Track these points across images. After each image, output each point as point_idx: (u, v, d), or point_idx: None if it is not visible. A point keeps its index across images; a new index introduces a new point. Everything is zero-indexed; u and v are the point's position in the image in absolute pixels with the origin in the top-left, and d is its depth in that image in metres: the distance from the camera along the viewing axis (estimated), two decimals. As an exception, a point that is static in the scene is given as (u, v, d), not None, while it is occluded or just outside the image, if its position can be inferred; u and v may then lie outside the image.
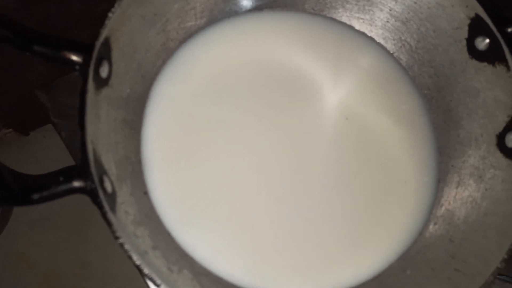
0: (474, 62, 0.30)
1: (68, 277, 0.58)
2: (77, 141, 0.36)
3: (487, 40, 0.28)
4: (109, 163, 0.24)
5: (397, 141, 0.31)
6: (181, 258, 0.25)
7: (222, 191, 0.29)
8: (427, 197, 0.30)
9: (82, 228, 0.58)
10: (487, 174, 0.28)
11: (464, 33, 0.30)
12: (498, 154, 0.28)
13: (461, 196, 0.29)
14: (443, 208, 0.29)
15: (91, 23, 0.45)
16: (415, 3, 0.31)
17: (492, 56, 0.28)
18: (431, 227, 0.29)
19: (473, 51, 0.30)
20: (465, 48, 0.30)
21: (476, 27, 0.29)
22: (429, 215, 0.29)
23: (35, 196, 0.19)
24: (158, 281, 0.20)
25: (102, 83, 0.24)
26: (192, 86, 0.31)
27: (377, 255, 0.28)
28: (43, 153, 0.54)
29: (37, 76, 0.48)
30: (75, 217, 0.56)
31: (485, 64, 0.29)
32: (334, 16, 0.34)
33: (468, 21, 0.29)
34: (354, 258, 0.29)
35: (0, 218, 0.52)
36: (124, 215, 0.23)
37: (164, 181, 0.28)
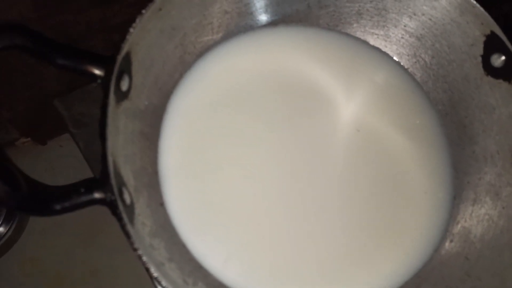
0: (490, 79, 0.30)
1: (78, 284, 0.58)
2: (94, 150, 0.36)
3: (503, 57, 0.28)
4: (128, 175, 0.24)
5: (411, 157, 0.31)
6: (196, 271, 0.26)
7: (237, 203, 0.29)
8: (443, 214, 0.30)
9: (93, 235, 0.59)
10: (504, 191, 0.28)
11: (479, 50, 0.30)
12: (515, 172, 0.28)
13: (477, 213, 0.28)
14: (459, 225, 0.29)
15: (107, 33, 0.46)
16: (430, 19, 0.32)
17: (507, 73, 0.28)
18: (447, 244, 0.29)
19: (488, 68, 0.30)
20: (480, 65, 0.30)
21: (491, 44, 0.29)
22: (445, 232, 0.29)
23: (57, 207, 0.20)
24: (175, 294, 0.20)
25: (122, 96, 0.25)
26: (208, 99, 0.31)
27: (391, 271, 0.28)
28: (59, 162, 0.55)
29: (54, 86, 0.49)
30: (86, 224, 0.57)
31: (501, 81, 0.29)
32: (348, 31, 0.35)
33: (484, 38, 0.29)
34: (367, 274, 0.28)
35: (17, 226, 0.52)
36: (141, 226, 0.23)
37: (180, 192, 0.28)
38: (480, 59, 0.30)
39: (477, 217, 0.28)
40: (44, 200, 0.20)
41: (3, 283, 0.56)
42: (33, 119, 0.52)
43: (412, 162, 0.31)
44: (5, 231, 0.51)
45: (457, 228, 0.29)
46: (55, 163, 0.55)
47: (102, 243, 0.57)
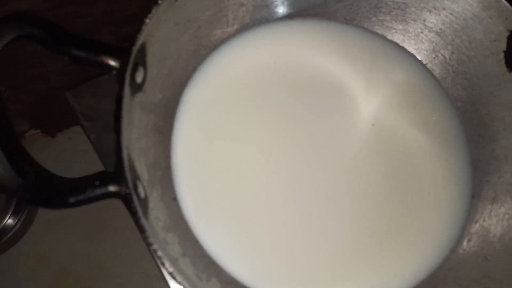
0: (512, 76, 0.29)
1: (84, 278, 0.58)
2: (105, 143, 0.36)
3: (527, 53, 0.28)
4: (141, 168, 0.24)
5: (429, 154, 0.31)
6: (209, 266, 0.25)
7: (250, 198, 0.29)
8: (460, 213, 0.29)
9: (100, 230, 0.58)
10: (525, 191, 0.27)
11: (502, 46, 0.29)
12: (537, 171, 0.27)
13: (496, 212, 0.28)
14: (478, 224, 0.28)
15: (115, 26, 0.46)
16: (451, 14, 0.31)
17: (531, 70, 0.28)
18: (464, 243, 0.28)
19: (511, 64, 0.29)
20: (503, 61, 0.29)
21: (515, 40, 0.28)
22: (463, 231, 0.28)
23: (71, 200, 0.19)
24: (190, 290, 0.20)
25: (137, 88, 0.24)
26: (222, 93, 0.31)
27: (407, 270, 0.28)
28: (68, 155, 0.55)
29: (63, 79, 0.48)
30: (93, 219, 0.57)
31: (524, 77, 0.28)
32: (366, 25, 0.34)
33: (507, 34, 0.28)
34: (383, 272, 0.28)
35: (26, 219, 0.52)
36: (155, 221, 0.23)
37: (193, 187, 0.28)
38: (502, 55, 0.29)
39: (496, 216, 0.28)
40: (58, 193, 0.20)
41: (10, 275, 0.56)
42: (42, 112, 0.52)
43: (430, 159, 0.30)
44: (14, 223, 0.51)
45: (475, 228, 0.28)
46: (64, 155, 0.55)
47: (108, 238, 0.57)
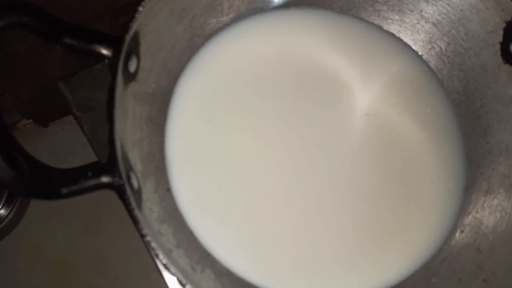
0: (508, 68, 0.29)
1: (81, 269, 0.58)
2: (98, 134, 0.36)
3: (523, 45, 0.28)
4: (135, 159, 0.24)
5: (424, 146, 0.31)
6: (203, 258, 0.25)
7: (245, 189, 0.28)
8: (454, 204, 0.29)
9: (96, 221, 0.58)
10: (519, 183, 0.27)
11: (499, 37, 0.29)
12: (530, 163, 0.27)
13: (490, 204, 0.28)
14: (471, 216, 0.28)
15: (113, 16, 0.45)
16: (448, 4, 0.31)
17: (527, 62, 0.28)
18: (457, 235, 0.28)
19: (507, 56, 0.29)
20: (499, 53, 0.29)
21: (511, 31, 0.28)
22: (456, 222, 0.29)
23: (64, 191, 0.19)
24: (184, 281, 0.20)
25: (130, 77, 0.24)
26: (217, 83, 0.30)
27: (400, 261, 0.28)
28: (61, 145, 0.54)
29: (57, 68, 0.48)
30: (89, 210, 0.57)
31: (520, 70, 0.28)
32: (362, 15, 0.34)
33: (504, 25, 0.28)
34: (377, 263, 0.28)
35: (17, 210, 0.52)
36: (149, 212, 0.23)
37: (187, 178, 0.28)
38: (498, 46, 0.29)
39: (489, 208, 0.28)
40: (51, 184, 0.19)
41: (3, 266, 0.56)
42: (35, 102, 0.51)
43: (425, 150, 0.30)
44: (6, 213, 0.51)
45: (468, 219, 0.29)
46: (57, 145, 0.55)
47: (104, 228, 0.57)
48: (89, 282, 0.57)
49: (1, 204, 0.50)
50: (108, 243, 0.56)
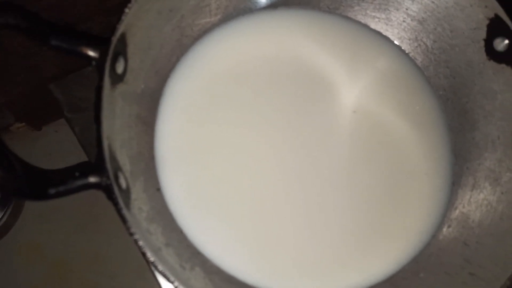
0: (492, 64, 0.29)
1: (78, 268, 0.58)
2: (90, 136, 0.36)
3: (506, 41, 0.28)
4: (124, 159, 0.24)
5: (411, 142, 0.31)
6: (193, 256, 0.25)
7: (235, 188, 0.29)
8: (441, 199, 0.29)
9: (93, 220, 0.58)
10: (504, 177, 0.27)
11: (483, 34, 0.29)
12: (515, 158, 0.28)
13: (476, 199, 0.28)
14: (457, 210, 0.29)
15: (105, 15, 0.45)
16: (433, 2, 0.31)
17: (511, 58, 0.28)
18: (444, 229, 0.28)
19: (491, 52, 0.29)
20: (483, 49, 0.29)
21: (495, 28, 0.28)
22: (443, 217, 0.29)
23: (51, 191, 0.19)
24: (172, 278, 0.20)
25: (117, 79, 0.24)
26: (206, 83, 0.31)
27: (389, 256, 0.28)
28: (54, 148, 0.54)
29: (50, 71, 0.48)
30: (86, 209, 0.57)
31: (504, 65, 0.28)
32: (349, 14, 0.34)
33: (487, 22, 0.29)
34: (366, 258, 0.28)
35: (12, 211, 0.52)
36: (138, 211, 0.23)
37: (177, 177, 0.28)
38: (483, 43, 0.29)
39: (475, 202, 0.28)
40: (38, 184, 0.20)
41: (3, 267, 0.56)
42: (28, 104, 0.52)
43: (412, 146, 0.31)
44: (1, 215, 0.51)
45: (455, 214, 0.29)
46: (50, 148, 0.55)
47: (100, 228, 0.57)
48: (86, 282, 0.57)
49: (-5, 207, 0.50)
50: (105, 243, 0.56)
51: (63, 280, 0.57)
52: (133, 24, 0.25)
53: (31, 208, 0.55)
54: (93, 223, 0.58)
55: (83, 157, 0.35)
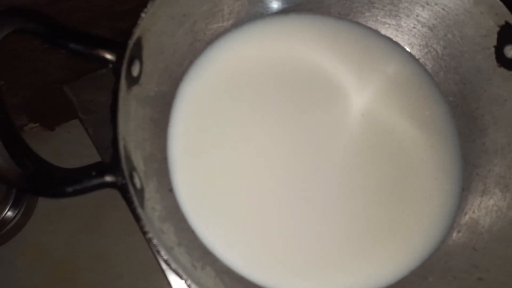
0: (502, 70, 0.29)
1: (84, 269, 0.59)
2: (102, 136, 0.37)
3: (517, 49, 0.28)
4: (138, 160, 0.24)
5: (421, 148, 0.31)
6: (204, 256, 0.26)
7: (244, 189, 0.29)
8: (451, 205, 0.30)
9: (99, 221, 0.59)
10: (514, 183, 0.28)
11: (493, 41, 0.29)
12: (525, 164, 0.28)
13: (486, 204, 0.28)
14: (467, 216, 0.29)
15: (114, 21, 0.46)
16: (443, 9, 0.31)
17: (521, 65, 0.28)
18: (454, 235, 0.29)
19: (501, 59, 0.29)
20: (493, 56, 0.30)
21: (505, 35, 0.28)
22: (453, 222, 0.29)
23: (69, 189, 0.20)
24: (184, 276, 0.20)
25: (133, 81, 0.25)
26: (217, 87, 0.31)
27: (397, 260, 0.28)
28: (67, 148, 0.55)
29: (62, 73, 0.49)
30: (92, 210, 0.57)
31: (513, 72, 0.29)
32: (360, 20, 0.34)
33: (498, 29, 0.29)
34: (373, 263, 0.29)
35: (24, 212, 0.53)
36: (151, 211, 0.24)
37: (189, 179, 0.28)
38: (493, 50, 0.29)
39: (485, 208, 0.28)
40: (55, 182, 0.20)
41: (10, 267, 0.56)
42: (41, 105, 0.52)
43: (422, 152, 0.31)
44: (13, 215, 0.52)
45: (465, 219, 0.29)
46: (63, 149, 0.55)
47: (108, 229, 0.58)
48: (92, 282, 0.57)
49: (9, 206, 0.51)
50: (111, 243, 0.57)
51: (69, 281, 0.58)
52: (148, 28, 0.26)
53: (39, 209, 0.55)
54: (99, 224, 0.58)
55: (94, 157, 0.36)
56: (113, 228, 0.57)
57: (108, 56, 0.23)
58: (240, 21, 0.33)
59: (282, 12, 0.34)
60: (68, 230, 0.58)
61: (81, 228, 0.58)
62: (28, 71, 0.48)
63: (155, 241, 0.20)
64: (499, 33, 0.29)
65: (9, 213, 0.52)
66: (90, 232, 0.58)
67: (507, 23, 0.28)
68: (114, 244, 0.58)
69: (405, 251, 0.28)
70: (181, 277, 0.20)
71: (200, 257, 0.25)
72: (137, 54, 0.25)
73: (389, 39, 0.34)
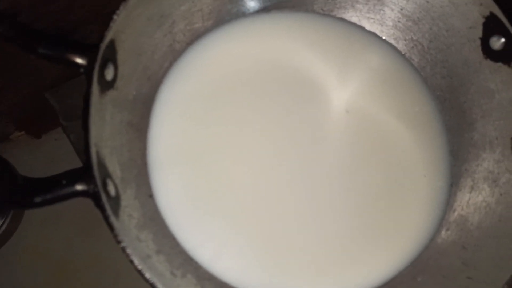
0: (489, 62, 0.29)
1: (81, 272, 0.58)
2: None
3: (503, 40, 0.27)
4: (114, 166, 0.24)
5: (409, 144, 0.31)
6: (185, 263, 0.25)
7: (229, 194, 0.28)
8: (439, 202, 0.29)
9: (95, 224, 0.58)
10: (502, 178, 0.27)
11: (479, 33, 0.29)
12: (514, 158, 0.27)
13: (474, 201, 0.28)
14: (456, 213, 0.28)
15: (102, 23, 0.45)
16: (427, 2, 0.31)
17: (507, 56, 0.27)
18: (443, 232, 0.28)
19: (487, 51, 0.29)
20: (480, 48, 0.29)
21: (491, 26, 0.28)
22: (441, 220, 0.28)
23: (38, 199, 0.19)
24: (160, 286, 0.20)
25: (107, 85, 0.24)
26: (199, 88, 0.31)
27: (386, 260, 0.28)
28: (54, 156, 0.54)
29: (48, 79, 0.48)
30: (87, 213, 0.56)
31: (500, 64, 0.28)
32: (343, 16, 0.34)
33: (483, 20, 0.28)
34: (362, 263, 0.28)
35: (12, 218, 0.52)
36: (128, 218, 0.23)
37: (170, 184, 0.28)
38: (479, 42, 0.29)
39: (474, 204, 0.28)
40: (24, 193, 0.20)
41: (7, 273, 0.56)
42: (28, 113, 0.52)
43: (409, 147, 0.30)
44: (1, 223, 0.51)
45: (453, 216, 0.28)
46: (50, 156, 0.55)
47: (102, 232, 0.57)
48: (88, 285, 0.57)
49: (-6, 214, 0.50)
50: (107, 246, 0.56)
51: (65, 284, 0.57)
52: (122, 30, 0.25)
53: (30, 215, 0.55)
54: (95, 227, 0.58)
55: (81, 164, 0.35)
56: (108, 232, 0.57)
57: (79, 60, 0.23)
58: (221, 21, 0.32)
59: (263, 10, 0.33)
60: (64, 234, 0.57)
61: (77, 232, 0.57)
62: (15, 78, 0.48)
63: (128, 251, 0.19)
64: (484, 24, 0.28)
65: (-3, 221, 0.51)
66: (85, 236, 0.58)
67: (492, 13, 0.27)
68: (111, 247, 0.57)
69: (394, 250, 0.28)
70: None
71: (180, 264, 0.24)
72: (111, 57, 0.24)
73: (374, 34, 0.33)
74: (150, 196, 0.27)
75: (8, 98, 0.49)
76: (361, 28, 0.34)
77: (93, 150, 0.21)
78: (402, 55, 0.33)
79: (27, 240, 0.56)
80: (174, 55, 0.31)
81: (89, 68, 0.23)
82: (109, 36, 0.24)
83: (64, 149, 0.54)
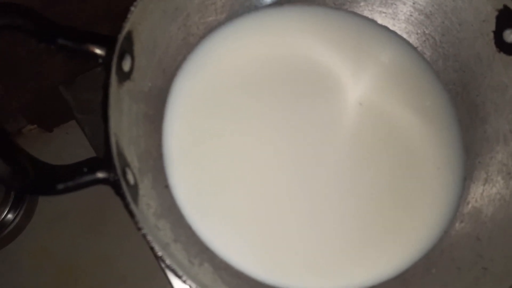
0: (502, 56, 0.29)
1: (87, 271, 0.59)
2: (99, 136, 0.36)
3: (516, 33, 0.27)
4: (132, 156, 0.24)
5: (422, 137, 0.31)
6: (202, 252, 0.25)
7: (243, 185, 0.29)
8: (453, 194, 0.29)
9: (102, 222, 0.59)
10: (516, 170, 0.27)
11: (491, 26, 0.29)
12: (528, 151, 0.27)
13: (488, 193, 0.28)
14: (470, 205, 0.28)
15: (113, 20, 0.46)
16: (440, -5, 0.31)
17: (521, 49, 0.27)
18: (457, 225, 0.28)
19: (500, 44, 0.29)
20: (492, 41, 0.29)
21: (504, 19, 0.28)
22: (455, 212, 0.28)
23: (60, 186, 0.20)
24: (180, 273, 0.20)
25: (124, 76, 0.24)
26: (212, 81, 0.31)
27: (400, 252, 0.28)
28: (65, 149, 0.55)
29: (60, 73, 0.49)
30: (94, 212, 0.57)
31: (513, 57, 0.28)
32: (355, 10, 0.34)
33: (496, 13, 0.28)
34: (376, 255, 0.28)
35: (25, 213, 0.53)
36: (146, 207, 0.23)
37: (185, 175, 0.28)
38: (492, 35, 0.29)
39: (488, 196, 0.28)
40: (47, 180, 0.20)
41: (11, 270, 0.56)
42: (40, 107, 0.52)
43: (423, 141, 0.30)
44: (13, 217, 0.52)
45: (467, 209, 0.28)
46: (61, 150, 0.55)
47: (110, 230, 0.57)
48: (95, 284, 0.57)
49: (8, 208, 0.51)
50: (114, 245, 0.57)
51: (72, 283, 0.58)
52: (139, 22, 0.25)
53: (40, 211, 0.56)
54: (102, 225, 0.58)
55: (93, 158, 0.36)
56: (116, 230, 0.57)
57: (98, 51, 0.23)
58: (234, 14, 0.32)
59: (276, 3, 0.33)
60: (71, 232, 0.58)
61: (85, 230, 0.58)
62: (27, 74, 0.48)
63: (149, 237, 0.20)
64: (497, 18, 0.28)
65: (9, 216, 0.52)
66: (92, 234, 0.58)
67: (505, 7, 0.27)
68: (117, 245, 0.58)
69: (408, 242, 0.28)
70: (176, 274, 0.20)
71: (197, 253, 0.25)
72: (128, 48, 0.25)
73: (386, 28, 0.33)
74: (166, 186, 0.27)
75: (20, 93, 0.50)
76: (373, 22, 0.34)
77: (113, 140, 0.21)
78: (414, 49, 0.33)
79: (36, 237, 0.56)
80: (188, 48, 0.31)
81: (107, 59, 0.23)
82: (126, 27, 0.24)
83: (75, 142, 0.54)
